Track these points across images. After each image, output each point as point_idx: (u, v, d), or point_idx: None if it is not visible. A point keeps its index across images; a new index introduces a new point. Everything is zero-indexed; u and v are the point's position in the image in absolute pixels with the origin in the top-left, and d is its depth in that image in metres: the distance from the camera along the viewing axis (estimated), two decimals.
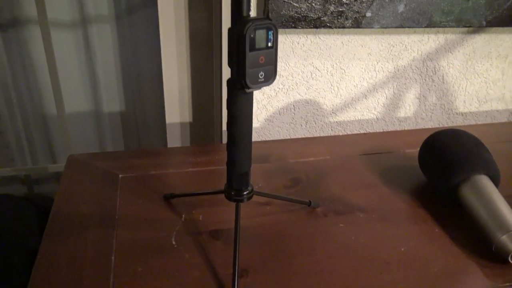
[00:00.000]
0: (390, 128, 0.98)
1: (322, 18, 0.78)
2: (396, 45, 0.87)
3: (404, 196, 0.62)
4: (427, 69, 0.92)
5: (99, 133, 1.21)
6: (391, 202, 0.61)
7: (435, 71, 0.93)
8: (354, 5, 0.78)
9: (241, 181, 0.48)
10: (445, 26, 0.84)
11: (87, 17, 1.05)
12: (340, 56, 0.86)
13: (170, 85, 0.86)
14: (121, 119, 1.20)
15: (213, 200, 0.58)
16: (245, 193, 0.49)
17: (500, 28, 0.91)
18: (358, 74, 0.89)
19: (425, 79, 0.93)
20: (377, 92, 0.92)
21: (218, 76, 0.84)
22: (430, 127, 0.99)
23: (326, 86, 0.88)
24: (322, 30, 0.82)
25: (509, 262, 0.49)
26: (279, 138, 0.91)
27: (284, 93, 0.87)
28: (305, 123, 0.91)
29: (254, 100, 0.86)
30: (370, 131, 0.97)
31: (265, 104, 0.87)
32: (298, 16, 0.77)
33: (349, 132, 0.95)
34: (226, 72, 0.80)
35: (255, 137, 0.90)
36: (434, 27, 0.84)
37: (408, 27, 0.83)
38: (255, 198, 0.51)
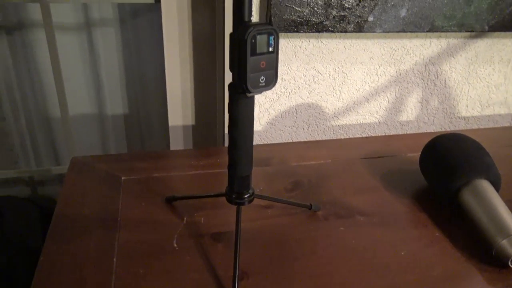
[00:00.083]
0: (392, 132, 0.98)
1: (324, 23, 0.78)
2: (398, 49, 0.88)
3: (405, 200, 0.62)
4: (429, 73, 0.92)
5: (102, 135, 1.22)
6: (392, 206, 0.61)
7: (437, 75, 0.93)
8: (356, 10, 0.78)
9: (242, 184, 0.48)
10: (447, 31, 0.85)
11: (92, 21, 1.06)
12: (342, 60, 0.86)
13: (173, 88, 0.87)
14: (125, 122, 1.21)
15: (214, 202, 0.58)
16: (246, 196, 0.49)
17: (503, 33, 0.91)
18: (360, 78, 0.89)
19: (427, 83, 0.93)
20: (379, 96, 0.92)
21: (220, 79, 0.85)
22: (432, 131, 1.00)
23: (328, 90, 0.89)
24: (324, 34, 0.82)
25: (509, 266, 0.49)
26: (281, 141, 0.92)
27: (286, 96, 0.87)
28: (307, 126, 0.92)
29: (256, 103, 0.86)
30: (372, 135, 0.97)
31: (267, 107, 0.87)
32: (301, 21, 0.77)
33: (351, 136, 0.96)
34: (229, 75, 0.81)
35: (257, 140, 0.91)
36: (436, 31, 0.84)
37: (410, 31, 0.83)
38: (256, 201, 0.51)
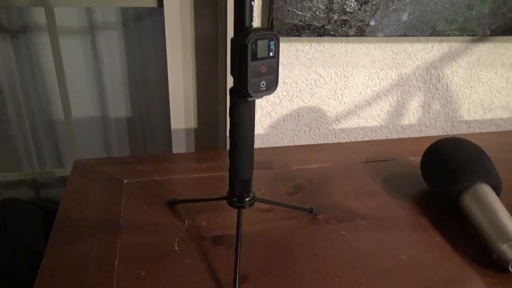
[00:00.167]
0: (394, 136, 0.98)
1: (326, 27, 0.79)
2: (400, 53, 0.88)
3: (406, 203, 0.62)
4: (431, 77, 0.93)
5: (105, 138, 1.22)
6: (392, 209, 0.61)
7: (439, 79, 0.93)
8: (358, 14, 0.79)
9: (243, 188, 0.49)
10: (449, 35, 0.85)
11: (95, 25, 1.07)
12: (344, 64, 0.86)
13: (175, 91, 0.87)
14: (127, 124, 1.21)
15: (216, 206, 0.59)
16: (247, 199, 0.49)
17: (505, 37, 0.91)
18: (362, 81, 0.89)
19: (429, 87, 0.94)
20: (381, 100, 0.92)
21: (223, 83, 0.86)
22: (434, 134, 1.00)
23: (330, 94, 0.89)
24: (326, 38, 0.83)
25: (509, 271, 0.49)
26: (283, 144, 0.92)
27: (288, 100, 0.87)
28: (309, 130, 0.92)
29: (258, 107, 0.87)
30: (374, 139, 0.97)
31: (269, 111, 0.88)
32: (302, 25, 0.77)
33: (352, 139, 0.96)
34: (231, 79, 0.81)
35: (258, 143, 0.91)
36: (438, 35, 0.85)
37: (412, 35, 0.83)
38: (257, 204, 0.52)
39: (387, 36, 0.83)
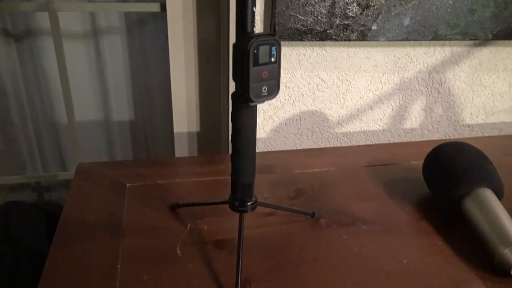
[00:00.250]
0: (396, 140, 0.98)
1: (328, 31, 0.79)
2: (402, 57, 0.88)
3: (408, 208, 0.62)
4: (433, 81, 0.93)
5: (108, 141, 1.23)
6: (394, 214, 0.61)
7: (441, 83, 0.93)
8: (360, 19, 0.79)
9: (245, 192, 0.49)
10: (451, 39, 0.85)
11: (99, 29, 1.08)
12: (346, 68, 0.87)
13: (178, 96, 0.88)
14: (130, 128, 1.22)
15: (218, 209, 0.59)
16: (249, 204, 0.50)
17: (507, 41, 0.91)
18: (364, 85, 0.89)
19: (431, 91, 0.94)
20: (383, 104, 0.93)
21: (225, 87, 0.86)
22: (437, 138, 1.00)
23: (332, 98, 0.89)
24: (328, 42, 0.83)
25: (511, 275, 0.49)
26: (285, 148, 0.92)
27: (290, 104, 0.88)
28: (311, 133, 0.92)
29: (261, 111, 0.87)
30: (376, 142, 0.97)
31: (272, 114, 0.88)
32: (304, 29, 0.78)
33: (355, 143, 0.96)
34: (233, 83, 0.81)
35: (261, 147, 0.91)
36: (439, 40, 0.85)
37: (414, 40, 0.83)
38: (259, 208, 0.52)
39: (389, 41, 0.83)
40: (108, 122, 1.19)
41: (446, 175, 0.59)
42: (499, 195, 0.57)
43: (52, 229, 1.01)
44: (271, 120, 0.88)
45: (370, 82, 0.89)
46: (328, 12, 0.77)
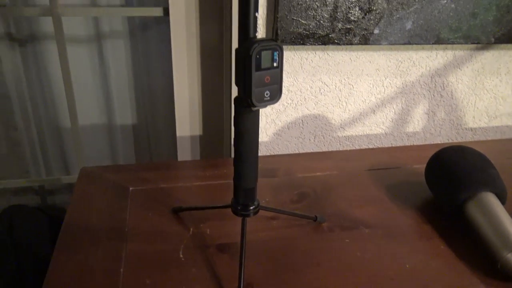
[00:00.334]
0: (399, 143, 0.98)
1: (330, 35, 0.79)
2: (404, 61, 0.88)
3: (410, 212, 0.62)
4: (435, 84, 0.93)
5: (111, 145, 1.23)
6: (397, 218, 0.61)
7: (443, 87, 0.93)
8: (362, 23, 0.79)
9: (248, 197, 0.49)
10: (453, 43, 0.85)
11: (102, 33, 1.08)
12: (348, 72, 0.87)
13: (181, 99, 0.88)
14: (133, 132, 1.22)
15: (220, 213, 0.59)
16: (251, 208, 0.50)
17: (509, 45, 0.91)
18: (366, 89, 0.90)
19: (433, 95, 0.94)
20: (386, 107, 0.93)
21: (227, 91, 0.86)
22: (439, 142, 0.99)
23: (335, 101, 0.89)
24: (330, 46, 0.83)
25: None
26: (288, 152, 0.92)
27: (292, 108, 0.88)
28: (313, 137, 0.92)
29: (263, 114, 0.87)
30: (379, 146, 0.97)
31: (274, 118, 0.88)
32: (307, 33, 0.78)
33: (357, 147, 0.96)
34: (235, 87, 0.82)
35: (263, 151, 0.91)
36: (442, 43, 0.85)
37: (416, 43, 0.84)
38: (262, 212, 0.52)
39: (391, 44, 0.83)
40: (111, 126, 1.20)
41: (448, 179, 0.59)
42: (502, 199, 0.57)
43: (55, 233, 1.02)
44: (273, 124, 0.89)
45: (373, 86, 0.89)
46: (330, 16, 0.77)
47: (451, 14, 0.82)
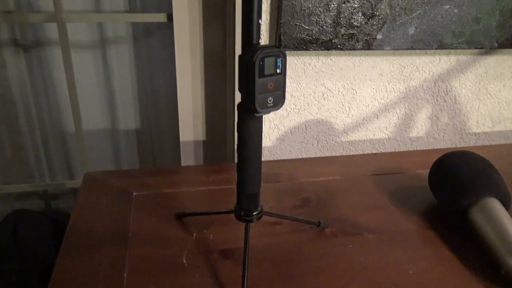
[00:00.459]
0: (402, 148, 0.98)
1: (333, 41, 0.79)
2: (407, 66, 0.88)
3: (414, 217, 0.62)
4: (439, 89, 0.93)
5: (115, 150, 1.24)
6: (400, 223, 0.61)
7: (447, 92, 0.93)
8: (365, 28, 0.79)
9: (251, 202, 0.49)
10: (456, 48, 0.85)
11: (106, 39, 1.09)
12: (351, 77, 0.87)
13: (184, 105, 0.88)
14: (137, 137, 1.23)
15: (224, 219, 0.59)
16: (254, 213, 0.50)
17: None
18: (369, 94, 0.90)
19: (437, 100, 0.94)
20: (389, 112, 0.93)
21: (231, 96, 0.86)
22: (443, 147, 0.99)
23: (338, 106, 0.89)
24: (333, 51, 0.83)
25: None
26: (291, 157, 0.92)
27: (296, 113, 0.88)
28: (316, 142, 0.92)
29: (266, 119, 0.87)
30: (382, 151, 0.97)
31: (277, 123, 0.88)
32: (310, 39, 0.78)
33: (360, 152, 0.96)
34: (239, 92, 0.82)
35: (266, 156, 0.92)
36: (445, 48, 0.85)
37: (419, 49, 0.84)
38: (265, 217, 0.52)
39: (394, 50, 0.83)
40: (114, 130, 1.20)
41: (452, 184, 0.58)
42: (506, 204, 0.57)
43: (59, 237, 1.02)
44: (276, 129, 0.89)
45: (376, 91, 0.90)
46: (333, 22, 0.78)
47: (454, 19, 0.82)
